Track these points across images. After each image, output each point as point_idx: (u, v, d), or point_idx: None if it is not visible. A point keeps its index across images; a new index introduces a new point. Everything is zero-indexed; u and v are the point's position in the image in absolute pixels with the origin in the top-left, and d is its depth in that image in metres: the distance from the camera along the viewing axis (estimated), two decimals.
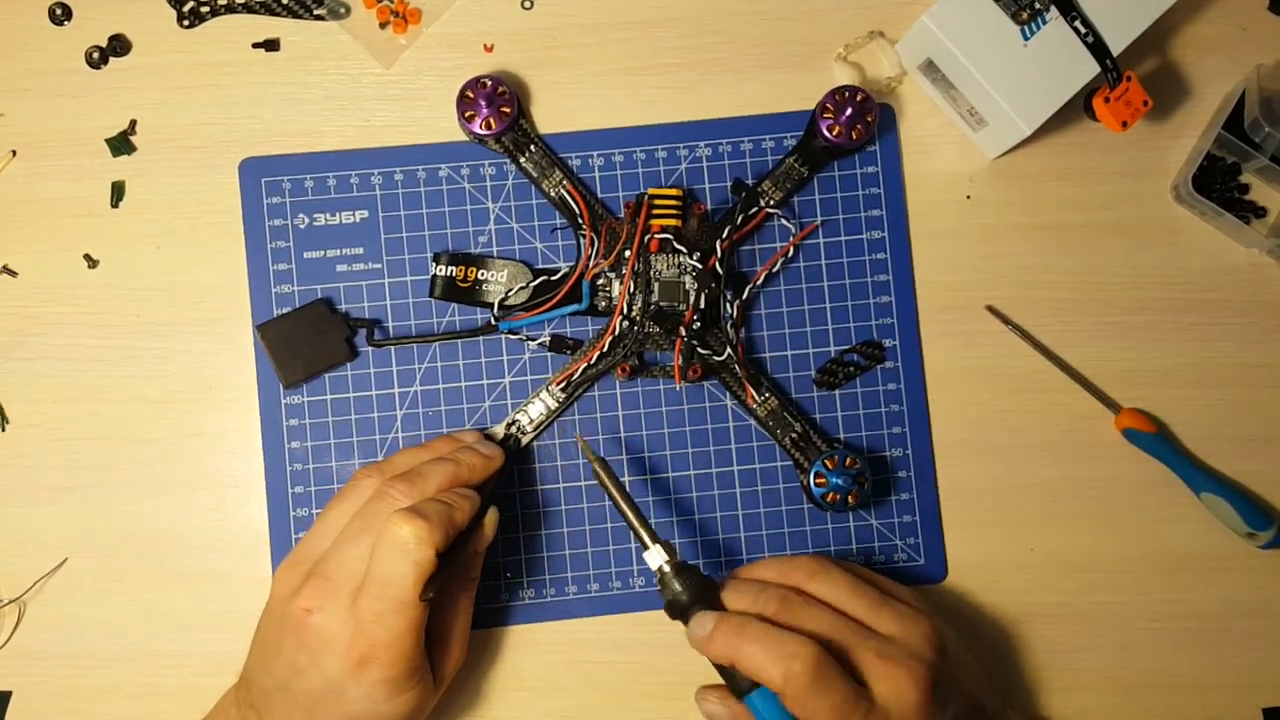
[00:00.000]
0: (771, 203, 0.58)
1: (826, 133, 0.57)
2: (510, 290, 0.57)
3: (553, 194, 0.58)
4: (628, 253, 0.57)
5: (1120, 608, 0.59)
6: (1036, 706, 0.58)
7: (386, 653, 0.47)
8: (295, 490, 0.57)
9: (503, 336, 0.58)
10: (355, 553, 0.48)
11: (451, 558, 0.49)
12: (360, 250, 0.58)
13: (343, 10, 0.60)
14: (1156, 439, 0.58)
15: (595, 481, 0.57)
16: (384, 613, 0.47)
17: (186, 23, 0.59)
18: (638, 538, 0.50)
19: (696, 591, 0.49)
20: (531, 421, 0.57)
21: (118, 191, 0.59)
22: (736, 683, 0.48)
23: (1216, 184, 0.61)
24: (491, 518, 0.52)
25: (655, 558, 0.49)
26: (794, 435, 0.57)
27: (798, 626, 0.47)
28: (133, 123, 0.59)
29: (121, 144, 0.59)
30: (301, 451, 0.57)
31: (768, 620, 0.48)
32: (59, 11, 0.59)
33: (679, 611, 0.49)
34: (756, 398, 0.57)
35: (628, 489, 0.53)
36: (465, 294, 0.57)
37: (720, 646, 0.47)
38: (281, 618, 0.49)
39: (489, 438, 0.56)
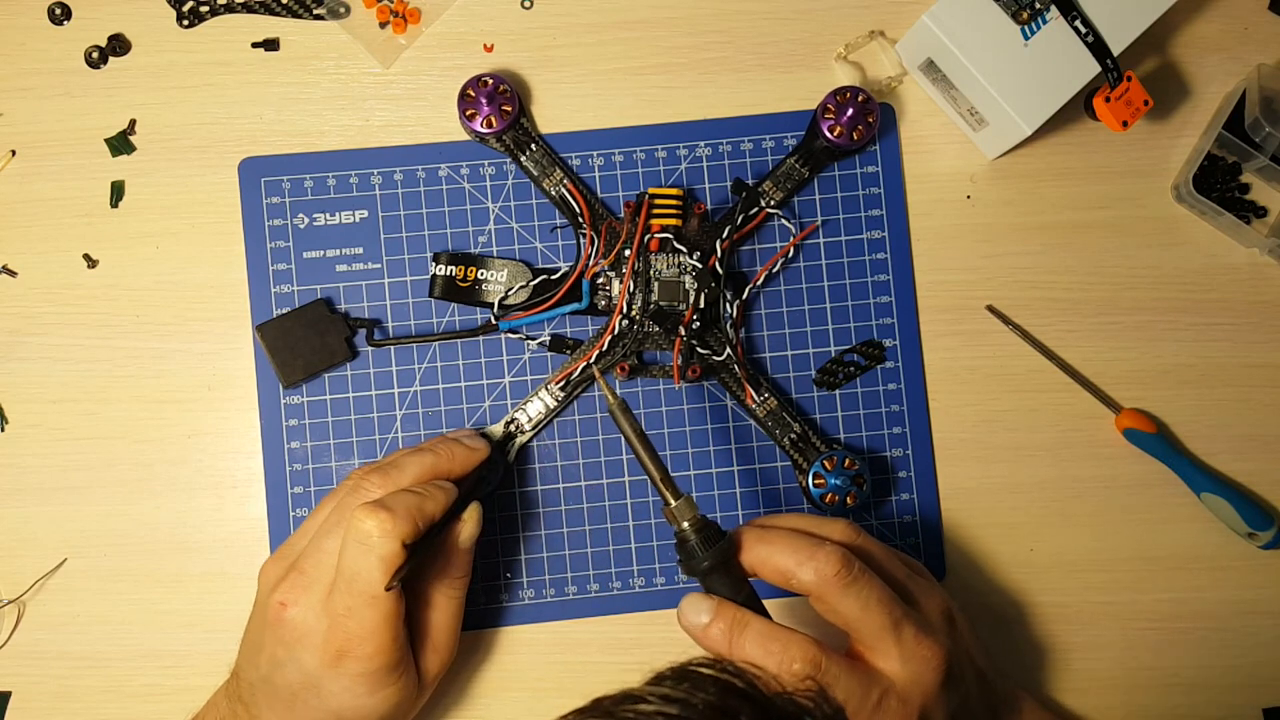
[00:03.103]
0: (772, 203, 0.58)
1: (828, 133, 0.57)
2: (510, 290, 0.57)
3: (553, 193, 0.58)
4: (628, 252, 0.57)
5: (1120, 608, 0.59)
6: None
7: (361, 646, 0.46)
8: (295, 490, 0.57)
9: (503, 336, 0.58)
10: (330, 546, 0.48)
11: (425, 549, 0.48)
12: (360, 250, 0.58)
13: (342, 10, 0.60)
14: (1156, 439, 0.58)
15: (619, 434, 0.51)
16: (354, 606, 0.46)
17: (186, 22, 0.59)
18: (657, 491, 0.47)
19: (717, 557, 0.46)
20: (530, 420, 0.57)
21: (117, 191, 0.59)
22: None
23: (1217, 184, 0.61)
24: (472, 512, 0.51)
25: (678, 514, 0.47)
26: (793, 436, 0.57)
27: (854, 596, 0.46)
28: (132, 122, 0.59)
29: (121, 144, 0.59)
30: (301, 451, 0.57)
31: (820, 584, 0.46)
32: (58, 11, 0.59)
33: (698, 574, 0.47)
34: (756, 398, 0.57)
35: (647, 435, 0.49)
36: (465, 294, 0.57)
37: (716, 642, 0.46)
38: (263, 611, 0.49)
39: (486, 436, 0.56)
